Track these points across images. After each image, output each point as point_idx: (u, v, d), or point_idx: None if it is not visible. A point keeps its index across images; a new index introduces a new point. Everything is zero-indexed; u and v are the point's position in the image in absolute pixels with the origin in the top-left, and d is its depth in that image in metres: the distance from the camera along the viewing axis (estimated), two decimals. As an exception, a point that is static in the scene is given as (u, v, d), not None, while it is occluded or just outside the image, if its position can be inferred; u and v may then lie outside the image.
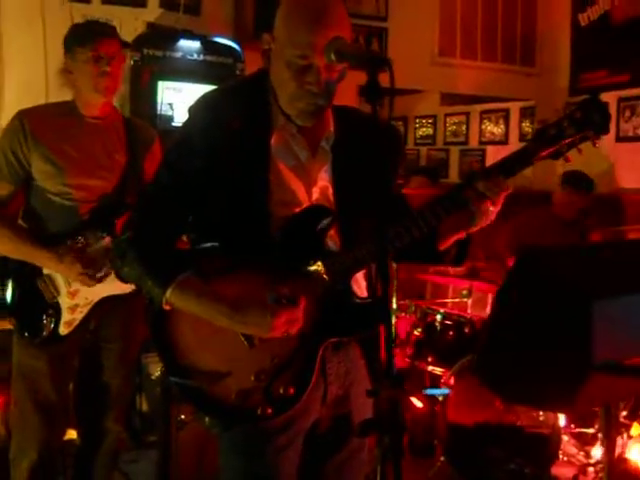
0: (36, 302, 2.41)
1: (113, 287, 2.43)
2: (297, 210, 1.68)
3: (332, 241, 1.70)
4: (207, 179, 1.64)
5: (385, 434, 1.16)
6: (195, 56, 4.16)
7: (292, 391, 1.63)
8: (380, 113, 1.51)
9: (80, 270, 2.33)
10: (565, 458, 3.71)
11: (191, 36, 4.18)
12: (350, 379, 1.79)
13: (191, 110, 1.71)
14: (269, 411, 1.62)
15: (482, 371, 1.18)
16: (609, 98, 5.01)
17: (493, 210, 1.66)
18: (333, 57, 1.52)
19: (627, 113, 4.91)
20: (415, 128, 7.20)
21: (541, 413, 3.92)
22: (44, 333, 2.40)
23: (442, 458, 3.45)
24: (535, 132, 1.70)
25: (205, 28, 4.44)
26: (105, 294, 2.45)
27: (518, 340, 1.08)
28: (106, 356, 2.55)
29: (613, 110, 5.00)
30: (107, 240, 2.41)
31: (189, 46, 4.14)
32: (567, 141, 1.64)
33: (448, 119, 6.78)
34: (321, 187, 1.73)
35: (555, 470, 3.58)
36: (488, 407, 3.79)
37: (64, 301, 2.41)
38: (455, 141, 6.66)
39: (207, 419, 1.75)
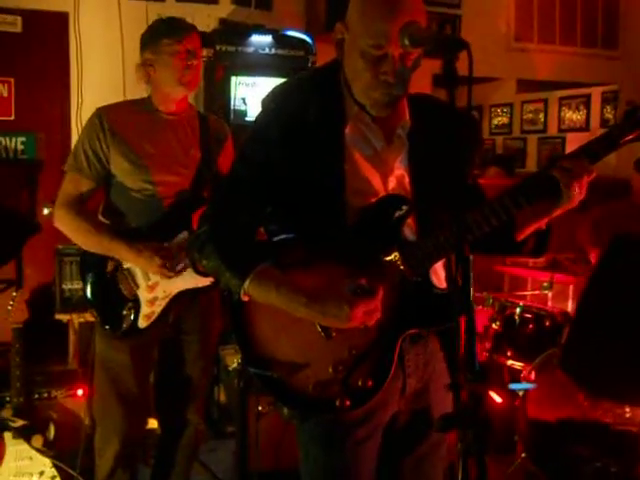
0: (116, 295, 2.46)
1: (191, 281, 2.46)
2: (373, 200, 1.66)
3: (410, 230, 1.68)
4: (282, 171, 1.64)
5: (467, 429, 1.12)
6: (267, 50, 4.19)
7: (370, 383, 1.61)
8: (456, 101, 1.47)
9: (159, 263, 2.37)
10: (653, 457, 3.56)
11: (263, 30, 4.22)
12: (429, 372, 1.76)
13: (264, 102, 1.71)
14: (347, 403, 1.61)
15: (568, 364, 1.12)
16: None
17: (579, 193, 1.60)
18: (407, 42, 1.49)
19: None
20: (490, 117, 7.04)
21: (628, 410, 3.77)
22: (124, 325, 2.45)
23: (523, 455, 3.35)
24: (623, 113, 1.62)
25: (277, 22, 4.47)
26: (183, 287, 2.48)
27: (607, 332, 1.02)
28: (186, 348, 2.59)
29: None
30: (185, 234, 2.45)
31: (261, 40, 4.18)
32: None
33: (525, 107, 6.60)
34: (397, 176, 1.70)
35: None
36: (571, 403, 3.67)
37: (143, 294, 2.46)
38: (533, 129, 6.48)
39: (286, 410, 1.75)
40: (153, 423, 2.89)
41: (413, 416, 1.77)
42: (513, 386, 3.63)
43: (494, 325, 3.85)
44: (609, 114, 5.70)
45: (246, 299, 1.62)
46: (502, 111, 6.88)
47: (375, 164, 1.68)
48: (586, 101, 5.81)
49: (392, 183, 1.69)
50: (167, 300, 2.48)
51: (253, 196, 1.68)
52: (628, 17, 5.18)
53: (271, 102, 1.70)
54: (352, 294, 1.55)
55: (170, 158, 2.47)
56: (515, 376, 3.81)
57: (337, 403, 1.61)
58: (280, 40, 4.21)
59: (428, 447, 1.80)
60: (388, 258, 1.62)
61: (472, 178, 1.96)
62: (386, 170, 1.69)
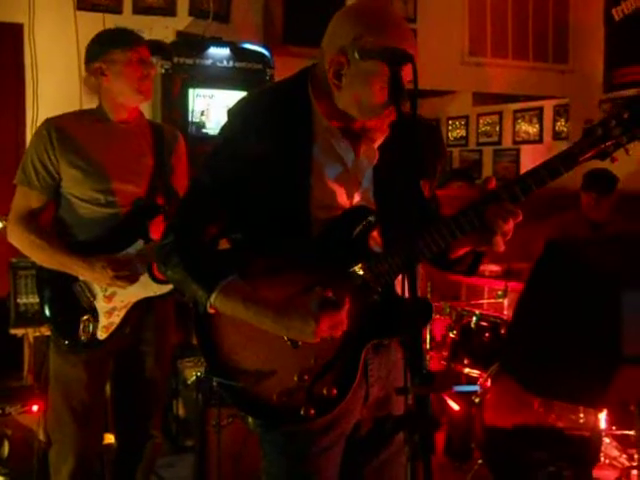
0: (74, 308, 2.43)
1: (149, 289, 2.45)
2: (339, 213, 1.68)
3: (375, 243, 1.70)
4: (248, 182, 1.65)
5: (414, 432, 1.15)
6: (225, 63, 4.20)
7: (335, 392, 1.63)
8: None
9: (111, 274, 2.35)
10: (607, 461, 3.64)
11: (220, 43, 4.23)
12: (391, 380, 1.78)
13: (231, 113, 1.71)
14: (312, 412, 1.62)
15: (509, 365, 1.15)
16: (645, 93, 4.93)
17: (504, 234, 1.60)
18: (357, 55, 1.52)
19: (664, 108, 4.79)
20: (448, 129, 7.15)
21: (581, 415, 3.85)
22: (82, 338, 2.42)
23: (480, 461, 3.40)
24: (583, 132, 1.66)
25: (235, 35, 4.48)
26: (141, 296, 2.47)
27: (545, 333, 1.05)
28: (142, 359, 2.57)
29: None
30: (140, 243, 2.44)
31: (219, 53, 4.19)
32: (614, 142, 1.60)
33: (481, 119, 6.72)
34: (364, 190, 1.73)
35: (597, 473, 3.51)
36: (526, 409, 3.74)
37: (101, 305, 2.44)
38: (488, 141, 6.60)
39: (250, 420, 1.76)
40: (110, 438, 2.86)
41: (375, 424, 1.80)
42: (458, 388, 3.68)
43: (451, 334, 3.90)
44: (562, 127, 5.84)
45: (212, 312, 1.62)
46: (459, 123, 7.00)
47: (342, 178, 1.69)
48: (539, 114, 5.95)
49: (358, 196, 1.71)
50: (126, 310, 2.46)
51: (219, 207, 1.68)
52: (577, 32, 5.33)
53: (238, 114, 1.70)
54: (318, 308, 1.56)
55: (123, 166, 2.45)
56: (472, 384, 3.87)
57: (302, 412, 1.62)
58: (238, 53, 4.22)
59: (389, 454, 1.82)
60: (354, 269, 1.64)
61: (433, 189, 2.00)
62: (354, 184, 1.71)
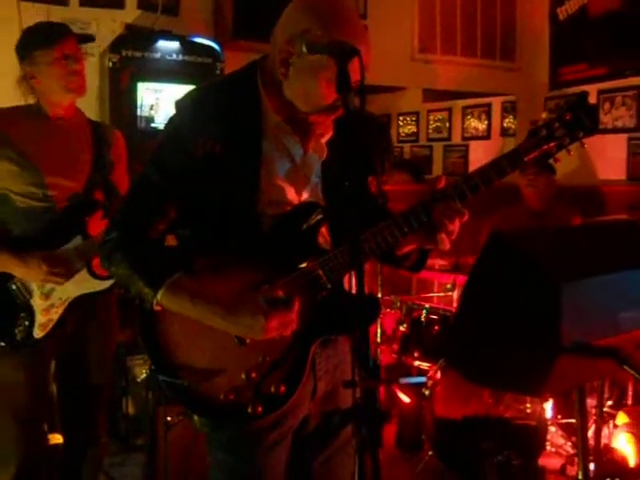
0: (9, 308, 2.37)
1: (87, 285, 2.42)
2: (288, 209, 1.67)
3: (324, 239, 1.70)
4: (195, 177, 1.62)
5: (362, 424, 1.16)
6: (174, 56, 4.15)
7: (283, 389, 1.62)
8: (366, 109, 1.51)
9: (45, 270, 2.31)
10: (553, 449, 3.73)
11: (169, 37, 4.18)
12: (338, 374, 1.79)
13: (178, 106, 1.69)
14: (259, 409, 1.61)
15: (452, 356, 1.18)
16: (589, 91, 5.04)
17: (451, 232, 1.61)
18: (304, 49, 1.52)
19: (606, 106, 4.94)
20: (398, 125, 7.21)
21: (529, 405, 3.94)
22: (18, 337, 2.36)
23: (430, 452, 3.45)
24: (527, 132, 1.70)
25: (184, 29, 4.42)
26: (79, 292, 2.43)
27: (487, 324, 1.08)
28: (85, 361, 2.53)
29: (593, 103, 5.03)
30: (78, 239, 2.40)
31: (168, 47, 4.14)
32: (557, 142, 1.64)
33: (431, 115, 6.79)
34: (313, 186, 1.73)
35: (543, 461, 3.59)
36: (476, 400, 3.80)
37: (37, 303, 2.39)
38: (438, 137, 6.68)
39: (196, 418, 1.73)
40: (59, 438, 2.81)
41: (323, 418, 1.80)
42: (404, 380, 3.73)
43: (401, 327, 3.94)
44: (510, 123, 5.95)
45: (159, 309, 1.60)
46: (410, 119, 7.06)
47: (291, 174, 1.69)
48: (487, 111, 6.04)
49: (307, 192, 1.72)
50: (64, 307, 2.41)
51: (164, 202, 1.65)
52: (524, 31, 5.43)
53: (186, 107, 1.68)
54: (268, 306, 1.55)
55: (60, 161, 2.42)
56: (423, 376, 3.92)
57: (249, 410, 1.61)
58: (188, 47, 4.18)
59: (337, 447, 1.82)
60: (303, 265, 1.64)
61: (380, 185, 2.01)
62: (303, 180, 1.71)
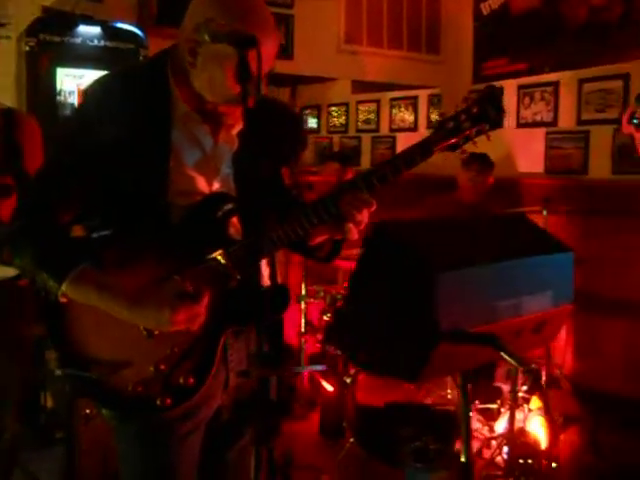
0: None
1: None
2: (198, 199, 1.66)
3: (235, 229, 1.70)
4: (102, 166, 1.60)
5: (257, 414, 1.17)
6: (96, 42, 4.05)
7: (192, 381, 1.61)
8: (291, 101, 1.51)
9: None
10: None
11: (91, 21, 4.07)
12: (249, 366, 1.79)
13: (86, 93, 1.67)
14: (168, 401, 1.60)
15: (338, 337, 1.21)
16: (510, 86, 5.19)
17: (359, 222, 1.62)
18: (207, 37, 1.51)
19: (526, 100, 5.08)
20: (328, 116, 7.24)
21: (449, 391, 4.06)
22: None
23: (351, 440, 3.51)
24: (435, 124, 1.73)
25: (107, 14, 4.32)
26: None
27: (370, 309, 1.11)
28: None
29: (514, 97, 5.18)
30: None
31: (89, 32, 4.03)
32: (464, 134, 1.68)
33: (360, 107, 6.84)
34: (223, 176, 1.72)
35: (461, 445, 3.70)
36: (397, 387, 3.89)
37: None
38: (367, 129, 6.74)
39: (104, 411, 1.72)
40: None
41: (236, 408, 1.79)
42: (299, 369, 3.77)
43: (325, 317, 3.98)
44: (436, 116, 6.06)
45: (64, 301, 1.57)
46: (339, 110, 7.10)
47: (201, 164, 1.68)
48: (414, 103, 6.13)
49: (218, 183, 1.71)
50: None
51: (71, 190, 1.62)
52: (449, 25, 5.53)
53: (94, 95, 1.65)
54: (175, 298, 1.53)
55: None
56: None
57: (158, 402, 1.60)
58: (110, 32, 4.08)
59: (251, 437, 1.81)
60: (213, 256, 1.62)
61: (294, 176, 2.02)
62: (213, 171, 1.70)
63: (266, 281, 1.77)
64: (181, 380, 1.61)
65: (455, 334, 0.99)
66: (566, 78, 4.78)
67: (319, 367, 3.66)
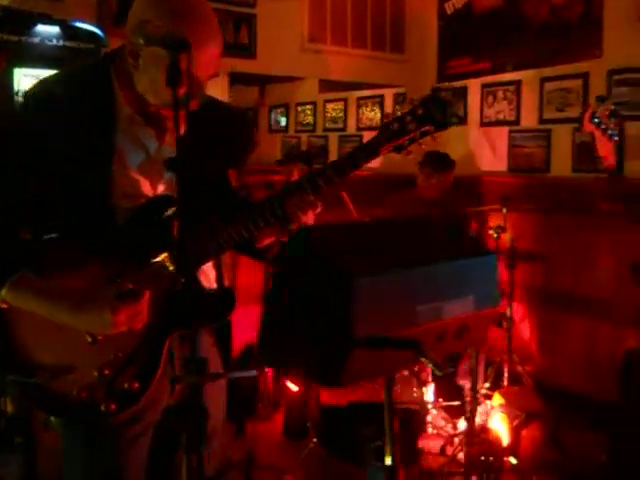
0: None
1: None
2: (143, 202, 1.66)
3: (178, 232, 1.69)
4: (46, 169, 1.58)
5: (186, 420, 1.16)
6: (54, 41, 4.00)
7: (136, 386, 1.61)
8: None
9: None
10: (435, 431, 3.87)
11: (49, 20, 4.02)
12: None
13: (28, 96, 1.65)
14: (112, 407, 1.60)
15: (260, 341, 1.20)
16: (473, 85, 5.23)
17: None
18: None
19: (490, 99, 5.12)
20: (296, 115, 7.24)
21: (415, 389, 4.07)
22: None
23: (315, 440, 3.51)
24: (381, 125, 1.73)
25: (66, 13, 4.27)
26: None
27: (290, 314, 1.11)
28: None
29: (477, 96, 5.21)
30: None
31: (48, 31, 3.98)
32: (409, 136, 1.69)
33: (327, 105, 6.85)
34: (167, 179, 1.71)
35: (425, 443, 3.73)
36: (362, 387, 3.89)
37: None
38: (334, 127, 6.74)
39: (52, 418, 1.71)
40: None
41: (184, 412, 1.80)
42: (232, 374, 3.76)
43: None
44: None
45: (5, 307, 1.56)
46: (307, 109, 7.10)
47: (146, 167, 1.67)
48: (380, 102, 6.15)
49: (162, 185, 1.70)
50: None
51: (15, 194, 1.60)
52: (413, 24, 5.55)
53: (36, 97, 1.63)
54: (117, 299, 1.53)
55: None
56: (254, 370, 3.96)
57: (102, 407, 1.59)
58: (68, 31, 4.04)
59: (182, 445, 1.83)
60: (157, 259, 1.61)
61: (242, 178, 2.01)
62: (157, 173, 1.69)
63: (213, 284, 1.76)
64: (125, 385, 1.61)
65: (371, 340, 0.99)
66: (528, 77, 4.82)
67: (251, 373, 3.65)
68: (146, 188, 1.68)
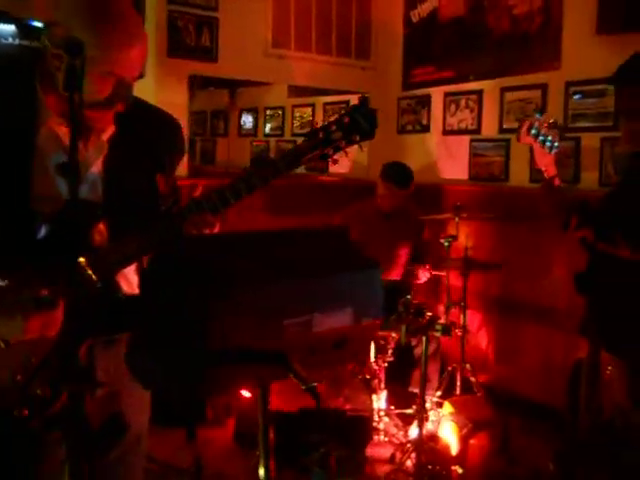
0: None
1: None
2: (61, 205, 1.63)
3: (100, 236, 1.66)
4: None
5: (68, 430, 1.14)
6: (10, 40, 3.97)
7: (49, 392, 1.58)
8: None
9: None
10: (386, 438, 3.86)
11: (5, 19, 3.98)
12: (120, 376, 1.75)
13: None
14: (25, 412, 1.57)
15: (129, 352, 1.19)
16: (437, 93, 5.25)
17: None
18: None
19: (452, 108, 5.14)
20: (265, 120, 7.23)
21: (363, 396, 4.06)
22: None
23: (263, 446, 3.48)
24: (306, 134, 1.73)
25: (25, 12, 4.22)
26: None
27: (155, 325, 1.09)
28: None
29: (440, 105, 5.23)
30: None
31: (4, 30, 3.95)
32: (334, 144, 1.68)
33: (296, 111, 6.85)
34: (91, 182, 1.69)
35: (375, 450, 3.72)
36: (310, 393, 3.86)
37: None
38: (302, 132, 6.73)
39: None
40: None
41: (106, 419, 1.75)
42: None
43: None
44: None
45: None
46: (276, 114, 7.09)
47: (67, 170, 1.65)
48: (346, 107, 6.14)
49: (85, 189, 1.68)
50: None
51: None
52: (379, 31, 5.56)
53: None
54: (29, 305, 1.51)
55: None
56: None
57: (15, 413, 1.56)
58: (25, 30, 4.00)
59: (123, 450, 1.80)
60: (76, 264, 1.59)
61: (172, 183, 1.99)
62: (80, 175, 1.67)
63: (135, 289, 1.74)
64: (39, 390, 1.57)
65: (229, 353, 0.98)
66: (489, 87, 4.85)
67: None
68: (66, 191, 1.65)
